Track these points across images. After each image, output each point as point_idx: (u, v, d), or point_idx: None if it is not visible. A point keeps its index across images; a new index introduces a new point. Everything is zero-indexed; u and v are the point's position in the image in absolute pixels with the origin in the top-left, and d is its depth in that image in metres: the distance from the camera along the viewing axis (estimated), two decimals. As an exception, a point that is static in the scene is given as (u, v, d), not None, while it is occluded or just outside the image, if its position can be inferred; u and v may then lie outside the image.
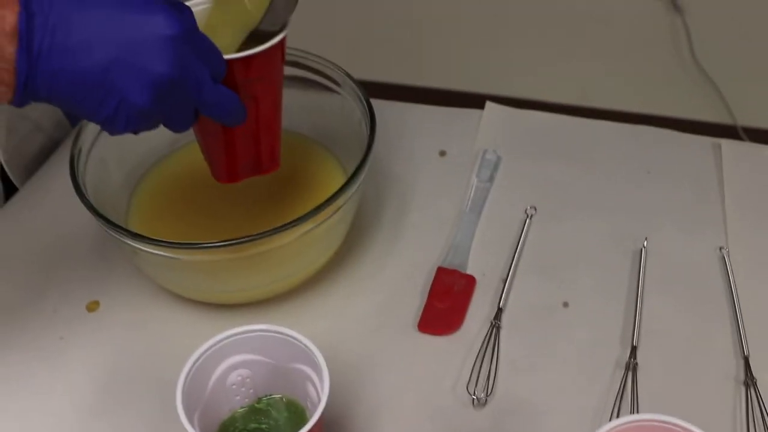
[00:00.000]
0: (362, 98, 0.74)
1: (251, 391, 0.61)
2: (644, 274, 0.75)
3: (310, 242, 0.68)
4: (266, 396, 0.62)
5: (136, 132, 0.55)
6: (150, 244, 0.64)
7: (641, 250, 0.77)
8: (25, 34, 0.48)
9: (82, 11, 0.50)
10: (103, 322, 0.73)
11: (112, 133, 0.54)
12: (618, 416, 0.65)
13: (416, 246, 0.79)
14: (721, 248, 0.78)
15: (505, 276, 0.75)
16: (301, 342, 0.57)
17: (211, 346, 0.58)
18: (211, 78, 0.56)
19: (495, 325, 0.71)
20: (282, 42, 0.62)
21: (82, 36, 0.50)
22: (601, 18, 1.75)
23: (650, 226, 0.80)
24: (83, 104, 0.52)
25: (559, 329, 0.72)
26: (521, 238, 0.78)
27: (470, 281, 0.75)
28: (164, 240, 0.64)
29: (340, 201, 0.67)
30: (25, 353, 0.71)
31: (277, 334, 0.58)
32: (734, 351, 0.70)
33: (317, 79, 0.78)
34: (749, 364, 0.68)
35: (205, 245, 0.63)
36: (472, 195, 0.83)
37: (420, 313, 0.72)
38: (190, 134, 0.64)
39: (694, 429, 0.52)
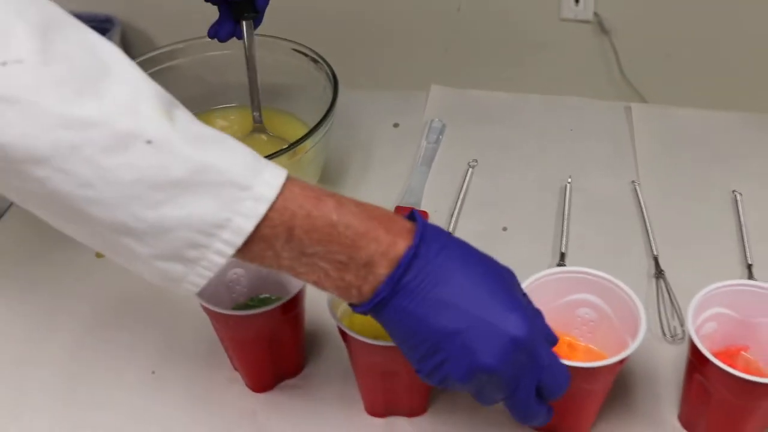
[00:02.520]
0: (327, 68, 0.89)
1: (245, 289, 0.73)
2: (569, 203, 0.90)
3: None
4: (258, 296, 0.74)
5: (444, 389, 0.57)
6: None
7: (566, 186, 0.91)
8: (403, 267, 0.51)
9: (457, 274, 0.53)
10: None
11: (422, 379, 0.56)
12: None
13: (377, 193, 0.92)
14: (633, 182, 0.93)
15: (453, 210, 0.89)
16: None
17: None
18: (536, 387, 0.56)
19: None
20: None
21: (444, 296, 0.52)
22: (537, 43, 1.92)
23: (574, 169, 0.94)
24: (410, 346, 0.54)
25: (500, 247, 0.85)
26: (465, 182, 0.93)
27: (424, 215, 0.89)
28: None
29: (311, 141, 0.81)
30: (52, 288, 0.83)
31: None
32: (646, 253, 0.84)
33: (294, 60, 0.93)
34: (658, 262, 0.82)
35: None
36: (422, 153, 0.97)
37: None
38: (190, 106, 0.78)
39: (615, 280, 0.65)
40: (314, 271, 0.52)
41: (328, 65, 0.89)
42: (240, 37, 0.86)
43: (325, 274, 0.52)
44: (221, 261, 0.50)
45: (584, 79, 1.89)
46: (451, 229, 0.87)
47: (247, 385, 0.73)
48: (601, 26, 1.86)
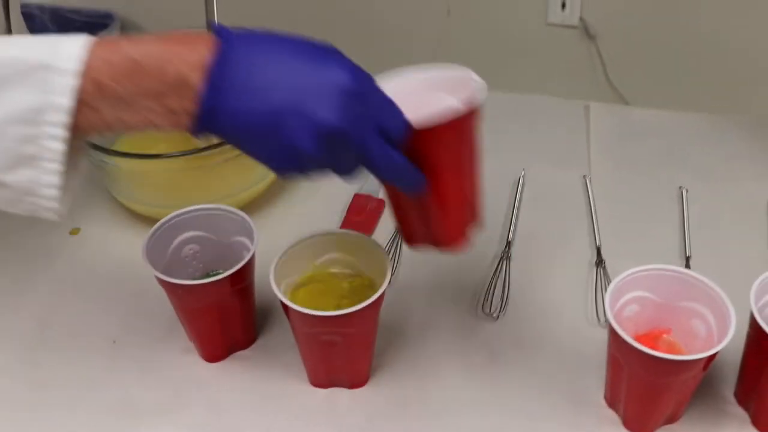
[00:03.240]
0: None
1: (201, 265, 0.78)
2: (521, 195, 0.94)
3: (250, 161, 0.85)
4: (213, 271, 0.79)
5: (305, 176, 0.57)
6: (121, 156, 0.82)
7: (520, 178, 0.96)
8: (217, 70, 0.52)
9: (270, 57, 0.53)
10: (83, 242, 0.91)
11: (282, 175, 0.57)
12: (492, 294, 0.82)
13: (336, 183, 0.96)
14: (584, 176, 0.97)
15: (409, 198, 0.93)
16: (238, 215, 0.75)
17: (168, 220, 0.75)
18: (381, 137, 0.56)
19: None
20: (473, 113, 0.61)
21: (264, 81, 0.52)
22: (524, 47, 1.96)
23: (529, 163, 0.98)
24: (256, 146, 0.55)
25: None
26: (424, 173, 0.97)
27: (380, 202, 0.93)
28: (136, 153, 0.82)
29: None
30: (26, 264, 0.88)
31: (219, 211, 0.75)
32: (589, 243, 0.88)
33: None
34: (600, 252, 0.86)
35: (164, 155, 0.81)
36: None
37: (339, 225, 0.90)
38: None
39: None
40: (139, 112, 0.53)
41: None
42: None
43: (151, 111, 0.53)
44: (58, 146, 0.52)
45: (570, 82, 1.93)
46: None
47: (200, 355, 0.77)
48: (586, 31, 1.90)
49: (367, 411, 0.72)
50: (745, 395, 0.72)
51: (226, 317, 0.73)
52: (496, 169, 0.97)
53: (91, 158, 0.85)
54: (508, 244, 0.87)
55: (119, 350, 0.78)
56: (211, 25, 0.57)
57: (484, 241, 0.88)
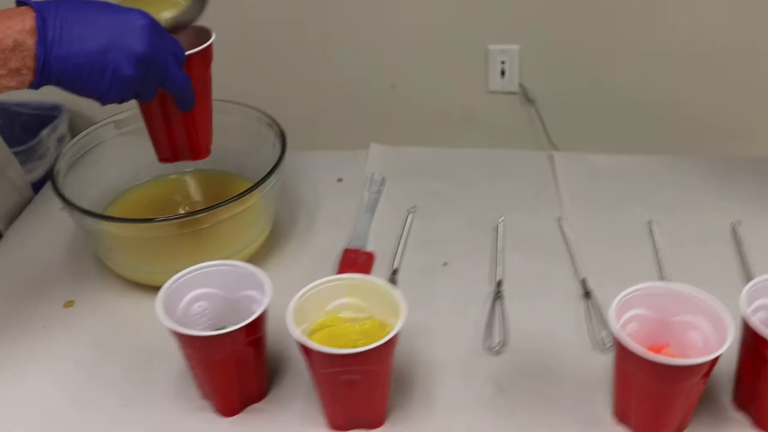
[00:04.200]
0: (274, 123, 0.97)
1: (209, 322, 0.79)
2: (503, 239, 0.98)
3: (241, 223, 0.88)
4: (221, 327, 0.80)
5: (121, 101, 0.74)
6: (113, 221, 0.85)
7: (498, 225, 1.00)
8: (42, 30, 0.68)
9: (80, 13, 0.70)
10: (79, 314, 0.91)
11: (104, 102, 0.73)
12: (491, 333, 0.85)
13: (325, 238, 1.00)
14: (559, 218, 1.02)
15: (396, 250, 0.97)
16: (246, 269, 0.77)
17: (178, 278, 0.76)
18: (175, 62, 0.76)
19: (392, 280, 0.92)
20: (210, 46, 0.83)
21: (81, 29, 0.69)
22: (468, 116, 2.04)
23: (504, 211, 1.03)
24: (86, 81, 0.70)
25: (442, 279, 0.94)
26: (407, 226, 1.01)
27: (370, 256, 0.96)
28: (125, 218, 0.84)
29: (263, 188, 0.88)
30: (22, 336, 0.88)
31: (228, 267, 0.78)
32: (573, 278, 0.93)
33: (244, 121, 1.01)
34: (585, 284, 0.91)
35: (156, 219, 0.84)
36: (366, 202, 1.05)
37: (334, 279, 0.92)
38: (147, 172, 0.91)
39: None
40: None
41: (275, 122, 0.97)
42: None
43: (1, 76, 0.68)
44: None
45: (513, 144, 2.02)
46: (395, 266, 0.94)
47: (215, 410, 0.78)
48: (526, 96, 2.00)
49: (387, 450, 0.74)
50: (743, 400, 0.76)
51: (242, 369, 0.75)
52: (474, 217, 1.03)
53: (83, 225, 0.86)
54: (499, 283, 0.91)
55: (130, 414, 0.78)
56: (18, 2, 0.72)
57: (474, 284, 0.92)
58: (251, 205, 0.88)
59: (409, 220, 1.02)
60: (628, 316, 0.74)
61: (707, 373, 0.69)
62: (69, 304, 0.92)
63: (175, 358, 0.79)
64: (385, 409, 0.76)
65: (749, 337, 0.71)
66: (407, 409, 0.78)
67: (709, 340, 0.72)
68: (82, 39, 0.69)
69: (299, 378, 0.81)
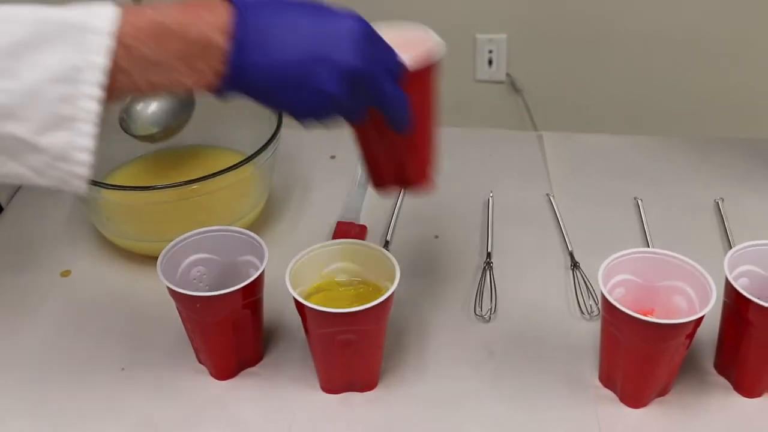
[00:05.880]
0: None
1: (207, 287, 0.81)
2: (492, 213, 1.00)
3: (236, 194, 0.90)
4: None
5: (324, 122, 0.62)
6: (112, 189, 0.86)
7: (489, 199, 1.02)
8: (237, 31, 0.56)
9: (282, 13, 0.58)
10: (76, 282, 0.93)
11: (305, 123, 0.61)
12: (481, 301, 0.87)
13: (318, 213, 1.01)
14: (548, 194, 1.04)
15: (389, 223, 0.99)
16: (244, 234, 0.79)
17: (177, 243, 0.78)
18: (390, 76, 0.62)
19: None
20: (437, 63, 0.69)
21: (284, 33, 0.57)
22: (455, 102, 2.06)
23: (494, 187, 1.05)
24: (282, 96, 0.59)
25: (434, 251, 0.96)
26: (399, 200, 1.03)
27: (363, 228, 0.98)
28: (125, 185, 0.85)
29: (260, 158, 0.90)
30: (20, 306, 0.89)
31: (225, 232, 0.79)
32: (562, 251, 0.95)
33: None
34: (573, 256, 0.93)
35: (154, 186, 0.85)
36: (359, 177, 1.07)
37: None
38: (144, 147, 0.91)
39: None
40: (167, 73, 0.56)
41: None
42: None
43: (178, 72, 0.56)
44: (95, 107, 0.54)
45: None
46: (388, 238, 0.96)
47: (211, 374, 0.79)
48: (513, 85, 2.02)
49: (381, 411, 0.76)
50: (725, 364, 0.78)
51: (238, 332, 0.76)
52: (464, 193, 1.05)
53: (82, 195, 0.87)
54: (489, 255, 0.93)
55: (129, 377, 0.80)
56: None
57: (464, 256, 0.94)
58: (247, 176, 0.90)
59: (401, 194, 1.04)
60: (616, 281, 0.76)
61: (691, 334, 0.71)
62: (66, 273, 0.93)
63: (172, 324, 0.80)
64: (378, 373, 0.78)
65: (732, 300, 0.73)
66: (400, 373, 0.79)
67: (694, 304, 0.74)
68: (283, 45, 0.57)
69: (295, 344, 0.82)
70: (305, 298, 0.74)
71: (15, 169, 0.56)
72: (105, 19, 0.54)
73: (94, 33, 0.53)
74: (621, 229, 0.98)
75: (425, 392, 0.78)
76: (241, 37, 0.56)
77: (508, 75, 1.99)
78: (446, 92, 2.08)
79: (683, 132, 1.30)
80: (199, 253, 0.79)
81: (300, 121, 0.62)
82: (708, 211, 1.01)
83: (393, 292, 0.72)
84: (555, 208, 1.01)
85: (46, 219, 1.02)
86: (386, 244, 0.95)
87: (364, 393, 0.78)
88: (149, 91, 0.57)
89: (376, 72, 0.60)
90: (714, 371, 0.79)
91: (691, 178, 1.07)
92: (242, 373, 0.80)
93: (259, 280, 0.75)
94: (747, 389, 0.77)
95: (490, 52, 1.97)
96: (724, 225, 0.97)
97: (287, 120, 0.96)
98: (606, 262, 0.74)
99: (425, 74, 0.69)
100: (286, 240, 0.97)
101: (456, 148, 1.15)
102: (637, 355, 0.72)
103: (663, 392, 0.77)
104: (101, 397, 0.78)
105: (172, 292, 0.73)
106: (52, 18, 0.53)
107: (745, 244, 0.76)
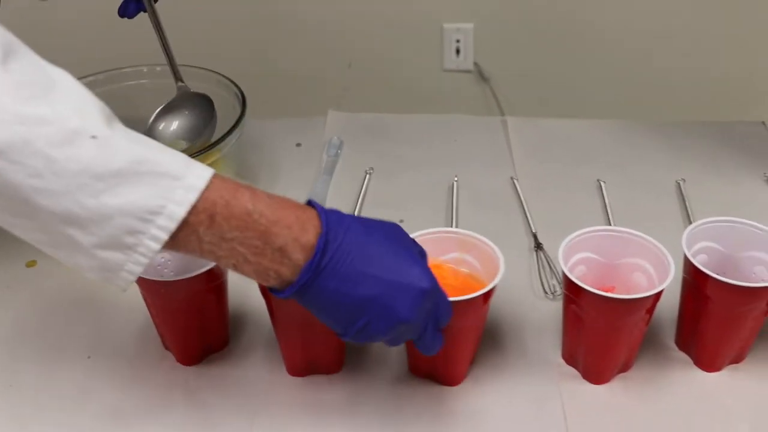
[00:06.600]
0: (236, 87, 0.99)
1: (172, 273, 0.81)
2: (457, 197, 1.01)
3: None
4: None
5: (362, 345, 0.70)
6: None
7: (453, 183, 1.03)
8: (319, 253, 0.59)
9: (364, 248, 0.61)
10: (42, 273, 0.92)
11: (345, 339, 0.64)
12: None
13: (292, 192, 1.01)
14: (512, 177, 1.05)
15: (354, 209, 0.99)
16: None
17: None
18: (434, 325, 0.65)
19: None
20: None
21: (358, 268, 0.60)
22: (424, 95, 2.07)
23: (459, 171, 1.06)
24: (333, 318, 0.62)
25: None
26: (364, 186, 1.03)
27: (329, 213, 0.98)
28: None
29: (224, 144, 0.90)
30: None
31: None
32: (526, 231, 0.96)
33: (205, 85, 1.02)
34: (537, 237, 0.94)
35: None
36: (324, 165, 1.07)
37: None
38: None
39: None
40: (233, 255, 0.59)
41: (236, 85, 0.99)
42: (146, 10, 0.94)
43: (244, 259, 0.59)
44: (156, 247, 0.56)
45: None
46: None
47: (177, 360, 0.79)
48: (480, 74, 2.03)
49: (346, 393, 0.76)
50: (685, 340, 0.80)
51: (203, 316, 0.77)
52: (429, 177, 1.05)
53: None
54: (454, 237, 0.93)
55: (95, 365, 0.80)
56: (311, 203, 0.63)
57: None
58: (213, 162, 0.90)
59: (366, 180, 1.04)
60: (576, 258, 0.77)
61: (651, 309, 0.73)
62: (31, 264, 0.93)
63: (138, 312, 0.81)
64: (342, 355, 0.78)
65: (690, 276, 0.75)
66: (364, 356, 0.80)
67: (653, 280, 0.75)
68: (353, 279, 0.60)
69: (261, 328, 0.83)
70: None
71: (60, 256, 0.58)
72: (200, 179, 0.57)
73: (184, 188, 0.56)
74: (584, 211, 0.99)
75: (389, 373, 0.78)
76: (317, 261, 0.59)
77: (475, 64, 2.00)
78: (414, 82, 2.10)
79: (645, 116, 1.32)
80: (162, 239, 0.79)
81: (342, 338, 0.64)
82: (670, 192, 1.02)
83: None
84: (519, 191, 1.02)
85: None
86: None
87: (329, 375, 0.78)
88: (208, 259, 0.60)
89: (422, 324, 0.64)
90: (675, 347, 0.81)
91: (653, 160, 1.09)
92: (208, 358, 0.80)
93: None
94: (707, 364, 0.78)
95: (458, 41, 1.98)
96: (686, 205, 0.98)
97: (252, 108, 0.97)
98: (566, 240, 0.75)
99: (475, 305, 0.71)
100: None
101: (421, 133, 1.16)
102: (598, 332, 0.73)
103: (625, 368, 0.78)
104: (68, 385, 0.78)
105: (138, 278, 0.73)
106: (151, 159, 0.56)
107: (703, 220, 0.78)
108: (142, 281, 0.73)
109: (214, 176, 0.58)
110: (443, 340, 0.68)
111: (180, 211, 0.56)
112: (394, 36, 1.99)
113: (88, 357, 0.81)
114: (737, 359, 0.78)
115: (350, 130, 1.16)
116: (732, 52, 1.93)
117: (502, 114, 2.02)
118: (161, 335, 0.80)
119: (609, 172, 1.05)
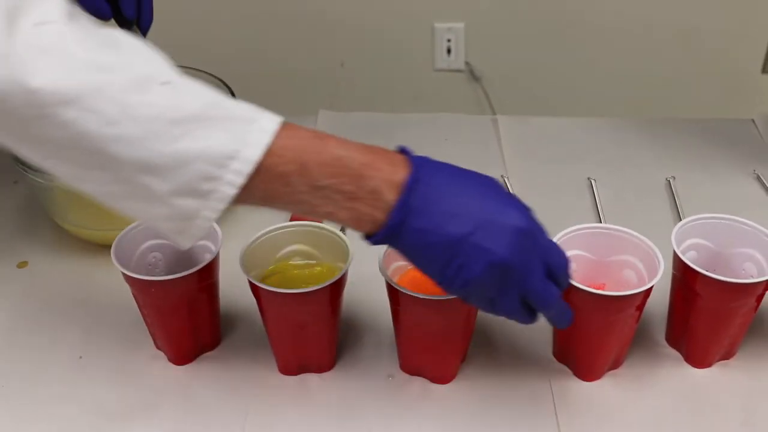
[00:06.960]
0: (226, 87, 0.99)
1: (163, 272, 0.81)
2: (449, 195, 1.01)
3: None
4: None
5: (466, 299, 0.63)
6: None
7: (445, 182, 1.03)
8: (408, 192, 0.58)
9: (455, 188, 0.60)
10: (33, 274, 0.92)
11: (447, 291, 0.62)
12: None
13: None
14: (503, 176, 1.05)
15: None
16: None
17: (132, 229, 0.78)
18: (545, 273, 0.62)
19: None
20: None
21: (449, 207, 0.59)
22: (416, 94, 2.07)
23: (451, 169, 1.06)
24: (430, 261, 0.60)
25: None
26: (356, 185, 1.03)
27: (320, 213, 0.98)
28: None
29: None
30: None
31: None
32: (516, 230, 0.96)
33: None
34: (527, 235, 0.94)
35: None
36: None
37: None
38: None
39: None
40: (328, 203, 0.58)
41: (226, 84, 0.99)
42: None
43: (339, 206, 0.58)
44: (232, 192, 0.55)
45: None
46: (345, 222, 0.96)
47: (169, 359, 0.80)
48: (472, 74, 2.04)
49: (337, 392, 0.77)
50: (675, 337, 0.80)
51: (195, 316, 0.77)
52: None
53: (33, 182, 0.87)
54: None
55: (86, 365, 0.80)
56: (402, 149, 0.62)
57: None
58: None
59: (357, 179, 1.04)
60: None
61: (641, 306, 0.73)
62: (23, 264, 0.92)
63: (129, 311, 0.80)
64: (334, 353, 0.78)
65: (680, 272, 0.75)
66: (356, 355, 0.80)
67: (643, 277, 0.75)
68: (445, 217, 0.59)
69: (253, 328, 0.83)
70: (262, 282, 0.74)
71: (135, 209, 0.58)
72: (272, 122, 0.56)
73: (259, 131, 0.55)
74: (574, 209, 0.99)
75: (381, 374, 0.78)
76: (409, 200, 0.58)
77: (467, 63, 2.01)
78: (405, 81, 2.10)
79: (636, 114, 1.32)
80: (154, 239, 0.79)
81: (445, 289, 0.62)
82: (660, 190, 1.03)
83: (345, 273, 0.73)
84: (509, 189, 1.02)
85: (1, 211, 1.01)
86: (342, 230, 0.95)
87: (321, 374, 0.78)
88: (302, 209, 0.59)
89: (524, 268, 0.61)
90: (665, 344, 0.81)
91: (643, 158, 1.09)
92: (200, 357, 0.80)
93: (213, 264, 0.75)
94: (697, 360, 0.78)
95: (449, 41, 1.98)
96: (676, 202, 0.98)
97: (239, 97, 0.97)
98: (557, 238, 0.76)
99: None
100: (242, 225, 0.97)
101: (411, 132, 1.17)
102: (589, 328, 0.73)
103: (615, 365, 0.78)
104: (60, 385, 0.78)
105: (127, 278, 0.74)
106: (225, 104, 0.56)
107: (693, 217, 0.78)
108: (132, 280, 0.73)
109: (288, 124, 0.57)
110: (571, 313, 0.66)
111: (255, 154, 0.55)
112: (385, 35, 1.99)
113: (80, 357, 0.81)
114: (727, 355, 0.79)
115: (341, 129, 1.15)
116: (721, 50, 1.94)
117: (493, 113, 2.04)
118: (153, 335, 0.80)
119: (599, 170, 1.05)
